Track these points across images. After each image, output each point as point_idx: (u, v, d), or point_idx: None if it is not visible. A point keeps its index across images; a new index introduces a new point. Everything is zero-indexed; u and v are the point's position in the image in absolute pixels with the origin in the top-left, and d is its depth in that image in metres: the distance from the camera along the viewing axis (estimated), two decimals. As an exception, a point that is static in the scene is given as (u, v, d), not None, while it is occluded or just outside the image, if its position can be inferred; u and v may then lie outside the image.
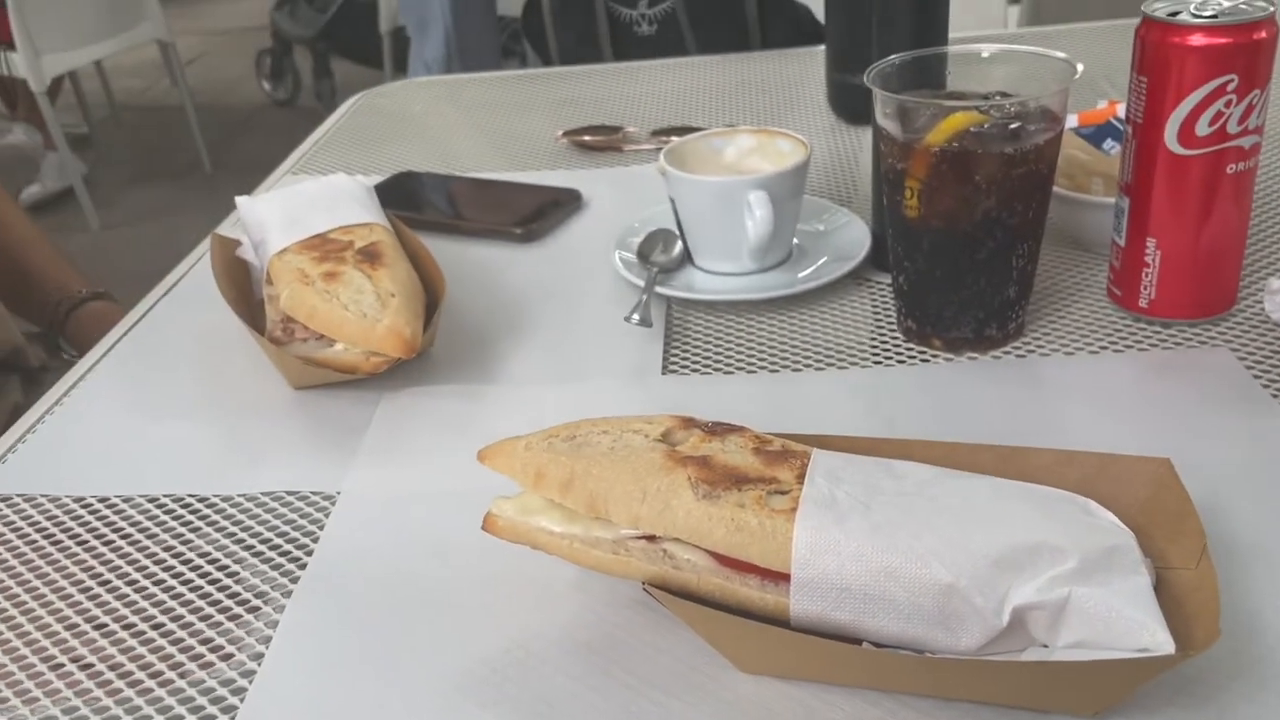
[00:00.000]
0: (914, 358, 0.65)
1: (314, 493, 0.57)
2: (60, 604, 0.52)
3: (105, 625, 0.50)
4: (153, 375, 0.71)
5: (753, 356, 0.66)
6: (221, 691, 0.46)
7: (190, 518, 0.57)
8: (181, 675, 0.47)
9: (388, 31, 3.43)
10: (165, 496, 0.58)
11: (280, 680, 0.46)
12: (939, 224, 0.61)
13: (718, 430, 0.47)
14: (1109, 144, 0.74)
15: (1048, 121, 0.59)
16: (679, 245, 0.75)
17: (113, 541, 0.55)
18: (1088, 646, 0.39)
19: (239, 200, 0.77)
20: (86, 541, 0.56)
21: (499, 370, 0.67)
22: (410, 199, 0.92)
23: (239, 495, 0.58)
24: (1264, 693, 0.40)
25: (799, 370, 0.65)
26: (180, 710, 0.45)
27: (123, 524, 0.57)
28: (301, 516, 0.56)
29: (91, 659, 0.48)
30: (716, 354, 0.67)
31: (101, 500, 0.58)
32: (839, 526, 0.41)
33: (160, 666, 0.47)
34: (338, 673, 0.46)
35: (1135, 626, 0.38)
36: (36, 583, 0.53)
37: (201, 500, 0.58)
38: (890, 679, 0.42)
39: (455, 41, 2.24)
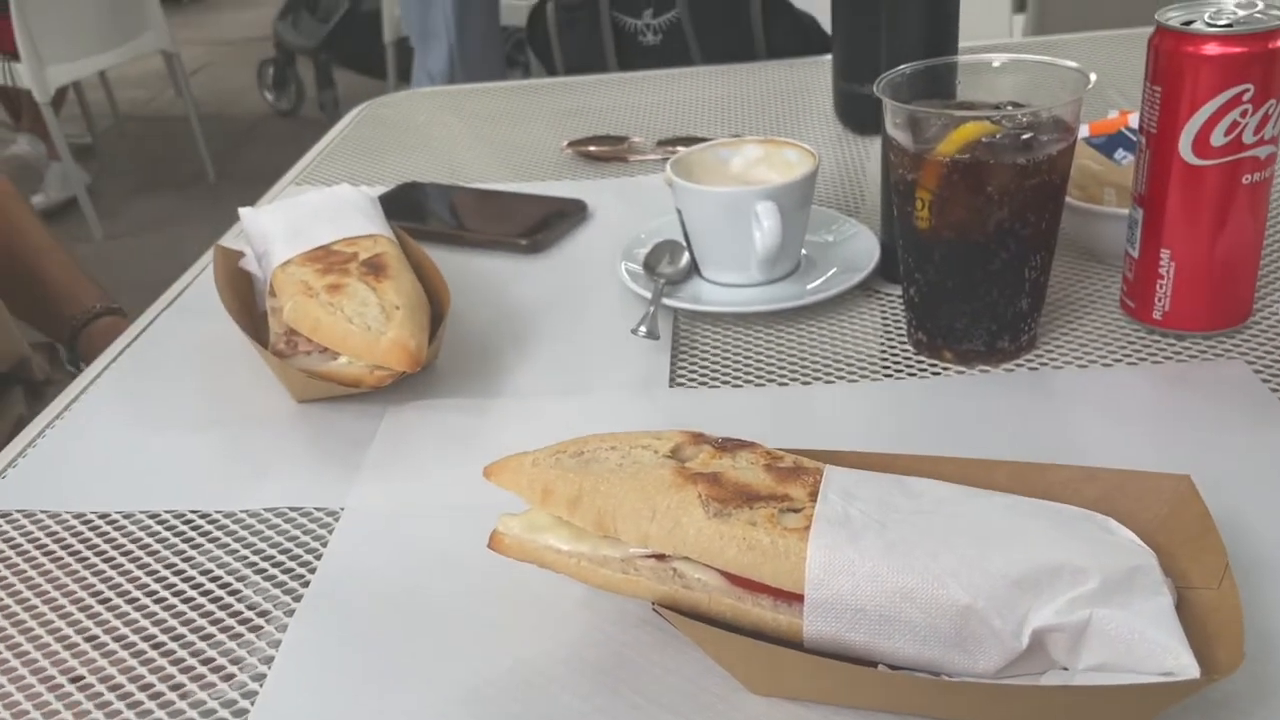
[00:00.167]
0: (925, 370, 0.64)
1: (317, 508, 0.57)
2: (59, 622, 0.51)
3: (104, 644, 0.49)
4: (155, 388, 0.70)
5: (761, 369, 0.66)
6: (223, 713, 0.45)
7: (192, 534, 0.56)
8: (182, 695, 0.46)
9: (391, 42, 3.43)
10: (167, 512, 0.58)
11: (283, 700, 0.45)
12: (950, 235, 0.60)
13: (728, 446, 0.46)
14: (1121, 154, 0.73)
15: (1060, 131, 0.58)
16: (686, 256, 0.75)
17: (113, 558, 0.55)
18: (1109, 669, 0.38)
19: (242, 211, 0.76)
20: (86, 558, 0.55)
21: (504, 383, 0.67)
22: (415, 210, 0.92)
23: (241, 511, 0.57)
24: (1289, 716, 0.39)
25: (808, 383, 0.64)
26: (181, 732, 0.44)
27: (123, 540, 0.56)
28: (304, 533, 0.55)
29: (90, 678, 0.47)
30: (724, 366, 0.66)
31: (102, 516, 0.58)
32: (853, 546, 0.40)
33: (160, 686, 0.47)
34: (341, 692, 0.45)
35: (1158, 649, 0.37)
36: (35, 600, 0.52)
37: (203, 516, 0.57)
38: (906, 702, 0.41)
39: (458, 52, 2.24)
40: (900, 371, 0.64)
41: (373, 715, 0.44)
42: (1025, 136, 0.58)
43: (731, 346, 0.68)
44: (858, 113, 1.00)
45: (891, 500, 0.43)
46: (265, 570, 0.53)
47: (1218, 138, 0.57)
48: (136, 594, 0.52)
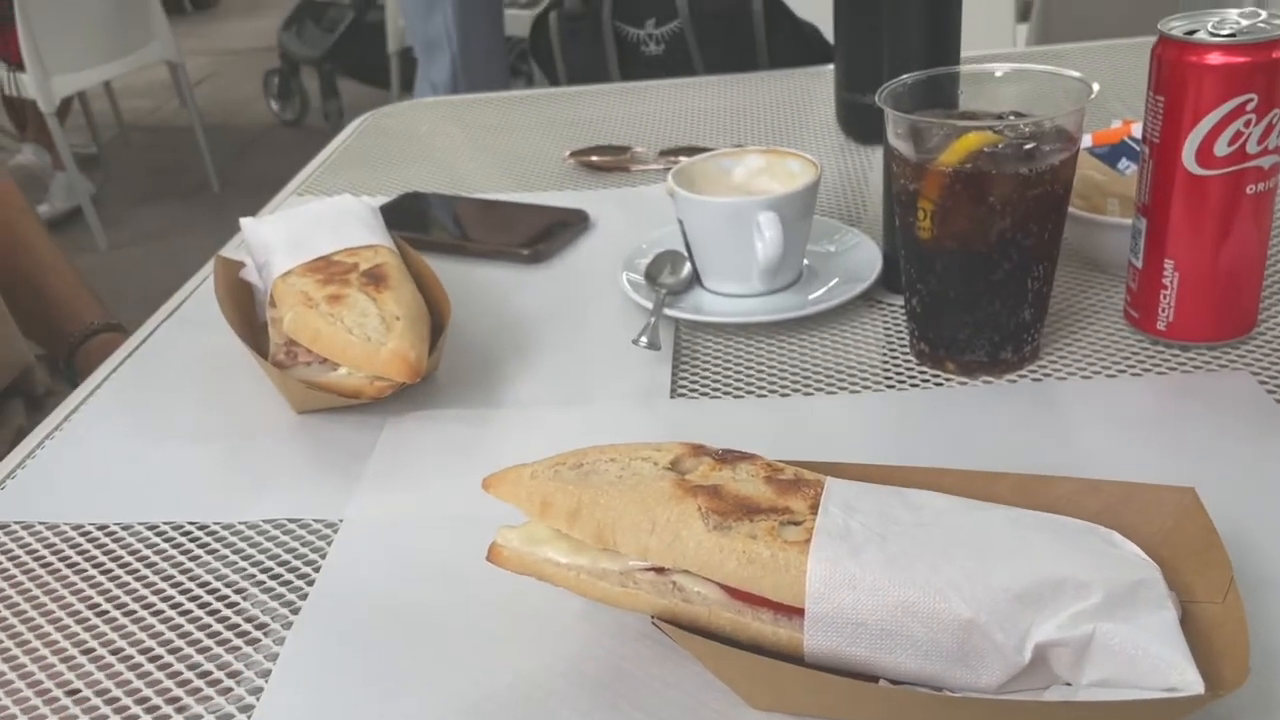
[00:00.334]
0: (927, 381, 0.64)
1: (316, 520, 0.56)
2: (56, 634, 0.51)
3: (101, 657, 0.49)
4: (155, 399, 0.70)
5: (763, 380, 0.65)
6: (219, 727, 0.45)
7: (190, 546, 0.56)
8: (179, 709, 0.46)
9: (395, 52, 3.44)
10: (165, 524, 0.57)
11: (278, 714, 0.45)
12: (953, 245, 0.60)
13: (728, 458, 0.45)
14: (1124, 164, 0.73)
15: (1063, 141, 0.58)
16: (687, 267, 0.75)
17: (111, 570, 0.54)
18: (1113, 685, 0.37)
19: (243, 222, 0.76)
20: (84, 570, 0.54)
21: (505, 394, 0.66)
22: (416, 220, 0.92)
23: (240, 523, 0.57)
24: (1296, 733, 0.39)
25: (810, 394, 0.64)
26: (176, 747, 0.44)
27: (121, 552, 0.56)
28: (303, 545, 0.55)
29: (86, 691, 0.47)
30: (726, 377, 0.66)
31: (100, 528, 0.57)
32: (854, 559, 0.40)
33: (156, 700, 0.46)
34: (338, 706, 0.45)
35: (1163, 665, 0.37)
36: (32, 612, 0.52)
37: (202, 528, 0.57)
38: (908, 717, 0.41)
39: (461, 62, 2.25)
40: (902, 382, 0.64)
41: (370, 730, 0.44)
42: (1028, 146, 0.58)
43: (733, 357, 0.68)
44: (860, 122, 1.00)
45: (893, 513, 0.42)
46: (263, 582, 0.53)
47: (1221, 148, 0.57)
48: (134, 606, 0.52)
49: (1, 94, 2.98)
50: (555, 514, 0.44)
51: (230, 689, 0.46)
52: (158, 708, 0.46)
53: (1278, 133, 0.57)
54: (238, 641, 0.49)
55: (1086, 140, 0.75)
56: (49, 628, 0.51)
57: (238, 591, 0.52)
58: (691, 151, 0.97)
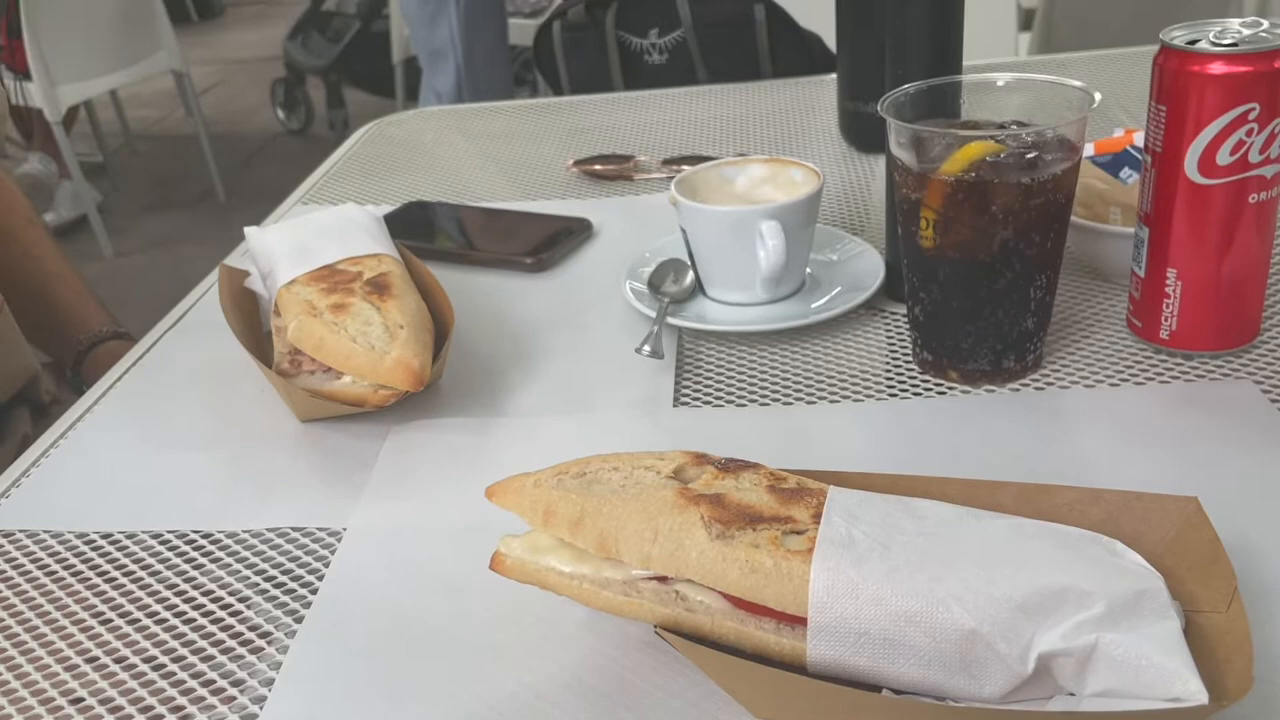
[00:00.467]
0: (930, 390, 0.64)
1: (320, 528, 0.57)
2: (60, 642, 0.51)
3: (105, 665, 0.49)
4: (159, 408, 0.70)
5: (766, 388, 0.65)
6: (222, 736, 0.45)
7: (194, 554, 0.56)
8: (183, 718, 0.46)
9: (399, 62, 3.45)
10: (169, 532, 0.57)
11: (282, 724, 0.45)
12: (955, 254, 0.60)
13: (731, 467, 0.45)
14: (1126, 173, 0.73)
15: (1065, 151, 0.58)
16: (690, 275, 0.75)
17: (115, 579, 0.54)
18: (1116, 695, 0.37)
19: (248, 231, 0.77)
20: (88, 579, 0.55)
21: (508, 402, 0.67)
22: (420, 228, 0.92)
23: (244, 531, 0.57)
24: (1301, 743, 0.39)
25: (813, 403, 0.64)
26: (180, 755, 0.44)
27: (126, 560, 0.56)
28: (307, 553, 0.55)
29: (90, 700, 0.47)
30: (729, 386, 0.66)
31: (105, 536, 0.58)
32: (857, 568, 0.40)
33: (160, 709, 0.46)
34: (341, 716, 0.45)
35: (1166, 675, 0.37)
36: (36, 620, 0.52)
37: (206, 536, 0.57)
38: (911, 727, 0.40)
39: (466, 72, 2.26)
40: (905, 391, 0.64)
41: (373, 739, 0.44)
42: (1030, 156, 0.58)
43: (736, 366, 0.68)
44: (863, 131, 1.00)
45: (896, 522, 0.42)
46: (267, 591, 0.53)
47: (1223, 157, 0.57)
48: (138, 615, 0.52)
49: (8, 103, 2.99)
50: (558, 523, 0.44)
51: (234, 697, 0.46)
52: (162, 716, 0.46)
53: (1280, 142, 0.57)
54: (242, 650, 0.49)
55: (1089, 149, 0.75)
56: (53, 635, 0.51)
57: (242, 600, 0.52)
58: (694, 160, 0.97)
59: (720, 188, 0.75)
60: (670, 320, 0.70)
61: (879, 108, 0.60)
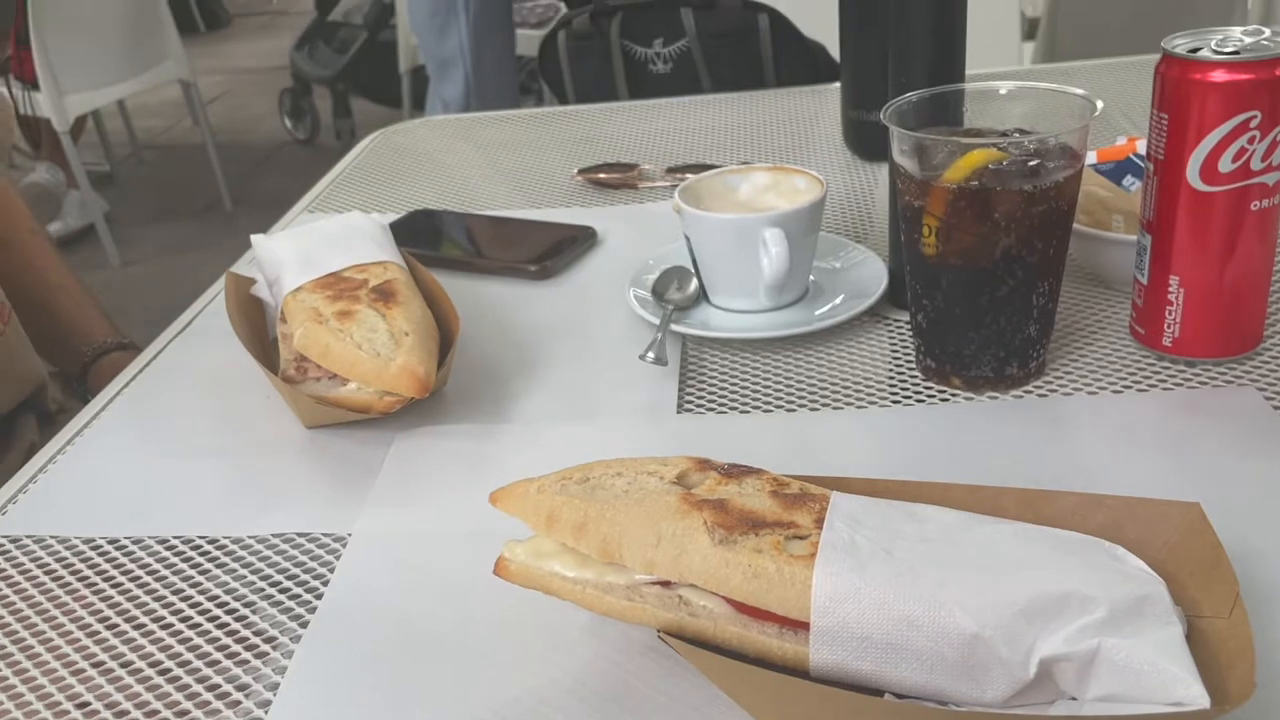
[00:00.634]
0: (933, 397, 0.64)
1: (325, 534, 0.57)
2: (66, 647, 0.51)
3: (111, 670, 0.49)
4: (165, 414, 0.70)
5: (769, 395, 0.66)
6: (227, 740, 0.45)
7: (200, 560, 0.56)
8: (187, 723, 0.46)
9: (406, 71, 3.47)
10: (175, 538, 0.58)
11: (287, 728, 0.45)
12: (957, 262, 0.60)
13: (734, 472, 0.46)
14: (1128, 180, 0.73)
15: (1067, 158, 0.58)
16: (694, 283, 0.75)
17: (121, 584, 0.55)
18: (1118, 700, 0.37)
19: (255, 239, 0.77)
20: (95, 584, 0.55)
21: (513, 409, 0.67)
22: (426, 236, 0.92)
23: (249, 537, 0.57)
24: (1303, 748, 0.39)
25: (816, 409, 0.64)
26: (185, 759, 0.44)
27: (131, 566, 0.56)
28: (312, 559, 0.55)
29: (97, 705, 0.47)
30: (732, 393, 0.66)
31: (111, 542, 0.58)
32: (859, 573, 0.40)
33: (166, 713, 0.47)
34: (346, 719, 0.45)
35: (1168, 679, 0.37)
36: (43, 626, 0.52)
37: (212, 542, 0.57)
38: (913, 731, 0.41)
39: (474, 80, 2.27)
40: (908, 398, 0.64)
41: (377, 743, 0.44)
42: (1032, 163, 0.58)
43: (739, 372, 0.68)
44: (866, 140, 1.00)
45: (898, 527, 0.42)
46: (273, 596, 0.53)
47: (1225, 164, 0.57)
48: (144, 620, 0.52)
49: (16, 112, 3.00)
50: (561, 528, 0.44)
51: (239, 702, 0.47)
52: (167, 720, 0.46)
53: (1282, 149, 0.57)
54: (246, 655, 0.49)
55: (1091, 157, 0.75)
56: (59, 640, 0.51)
57: (247, 605, 0.52)
58: (698, 169, 0.98)
59: (724, 196, 0.76)
60: (674, 327, 0.71)
61: (882, 116, 0.61)
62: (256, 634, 0.51)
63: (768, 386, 0.67)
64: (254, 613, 0.52)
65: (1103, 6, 1.78)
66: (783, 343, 0.71)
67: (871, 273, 0.75)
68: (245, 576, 0.54)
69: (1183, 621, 0.39)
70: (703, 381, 0.68)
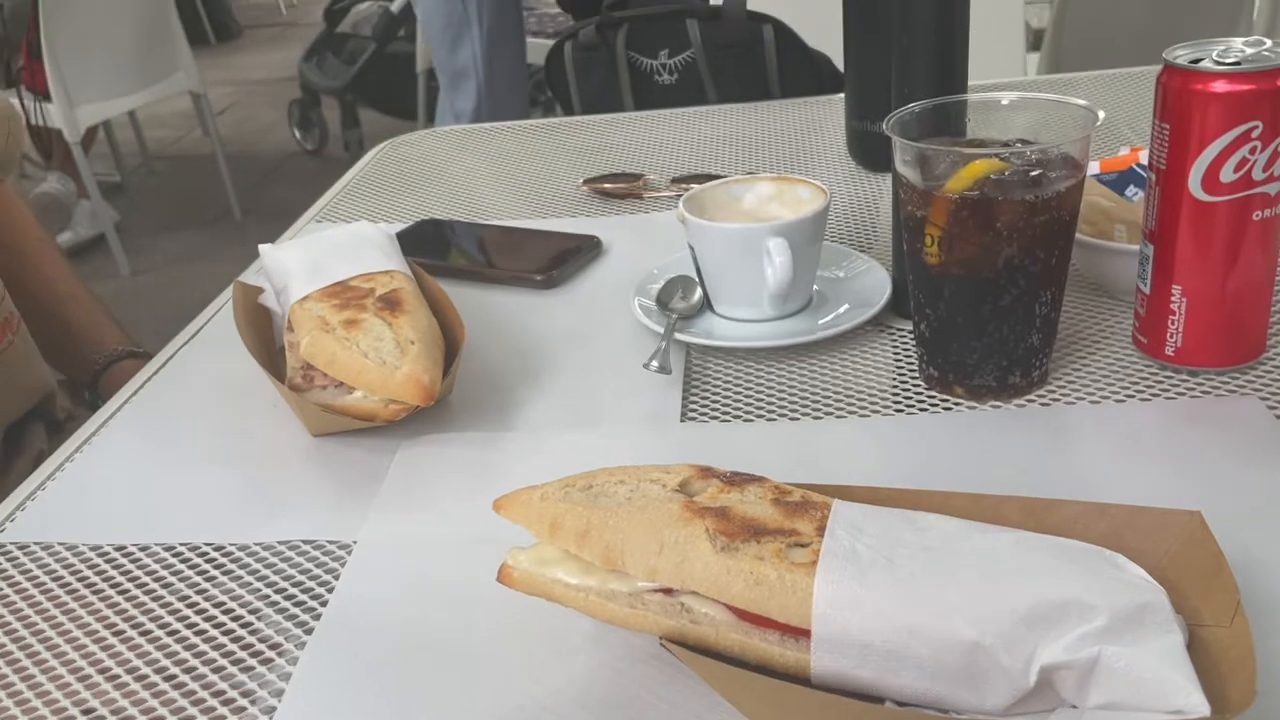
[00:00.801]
0: (936, 405, 0.64)
1: (330, 541, 0.57)
2: (73, 654, 0.51)
3: (117, 676, 0.50)
4: (173, 422, 0.71)
5: (773, 404, 0.66)
6: (232, 745, 0.45)
7: (206, 567, 0.56)
8: (192, 728, 0.46)
9: (422, 71, 3.46)
10: (182, 545, 0.58)
11: (291, 734, 0.45)
12: (960, 271, 0.60)
13: (736, 480, 0.46)
14: (1131, 190, 0.74)
15: (1069, 168, 0.59)
16: (698, 292, 0.75)
17: (128, 591, 0.55)
18: (1118, 708, 0.37)
19: (262, 248, 0.78)
20: (102, 591, 0.55)
21: (517, 417, 0.67)
22: (432, 246, 0.93)
23: (255, 544, 0.57)
24: (1305, 757, 0.39)
25: (820, 418, 0.64)
26: (190, 765, 0.44)
27: (139, 573, 0.56)
28: (317, 566, 0.56)
29: (103, 710, 0.48)
30: (736, 401, 0.67)
31: (118, 549, 0.58)
32: (860, 581, 0.40)
33: (171, 719, 0.47)
34: (350, 727, 0.45)
35: (1169, 687, 0.37)
36: (50, 632, 0.53)
37: (218, 549, 0.58)
38: (914, 739, 0.41)
39: (487, 92, 2.28)
40: (912, 407, 0.64)
41: (380, 749, 0.44)
42: (1034, 173, 0.58)
43: (743, 381, 0.69)
44: (870, 150, 1.01)
45: (899, 535, 0.43)
46: (278, 603, 0.53)
47: (1227, 174, 0.57)
48: (150, 626, 0.53)
49: (28, 123, 3.03)
50: (564, 535, 0.44)
51: (244, 708, 0.47)
52: (172, 726, 0.46)
53: (1283, 159, 0.57)
54: (252, 661, 0.50)
55: (1094, 167, 0.75)
56: (66, 647, 0.52)
57: (252, 612, 0.53)
58: (703, 179, 0.98)
59: (728, 206, 0.76)
60: (678, 336, 0.71)
61: (884, 126, 0.61)
62: (262, 640, 0.51)
63: (771, 395, 0.67)
64: (259, 619, 0.52)
65: (1108, 18, 1.79)
66: (786, 352, 0.71)
67: (875, 282, 0.75)
68: (251, 583, 0.55)
69: (1184, 630, 0.40)
70: (706, 390, 0.68)
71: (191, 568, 0.56)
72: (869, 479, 0.50)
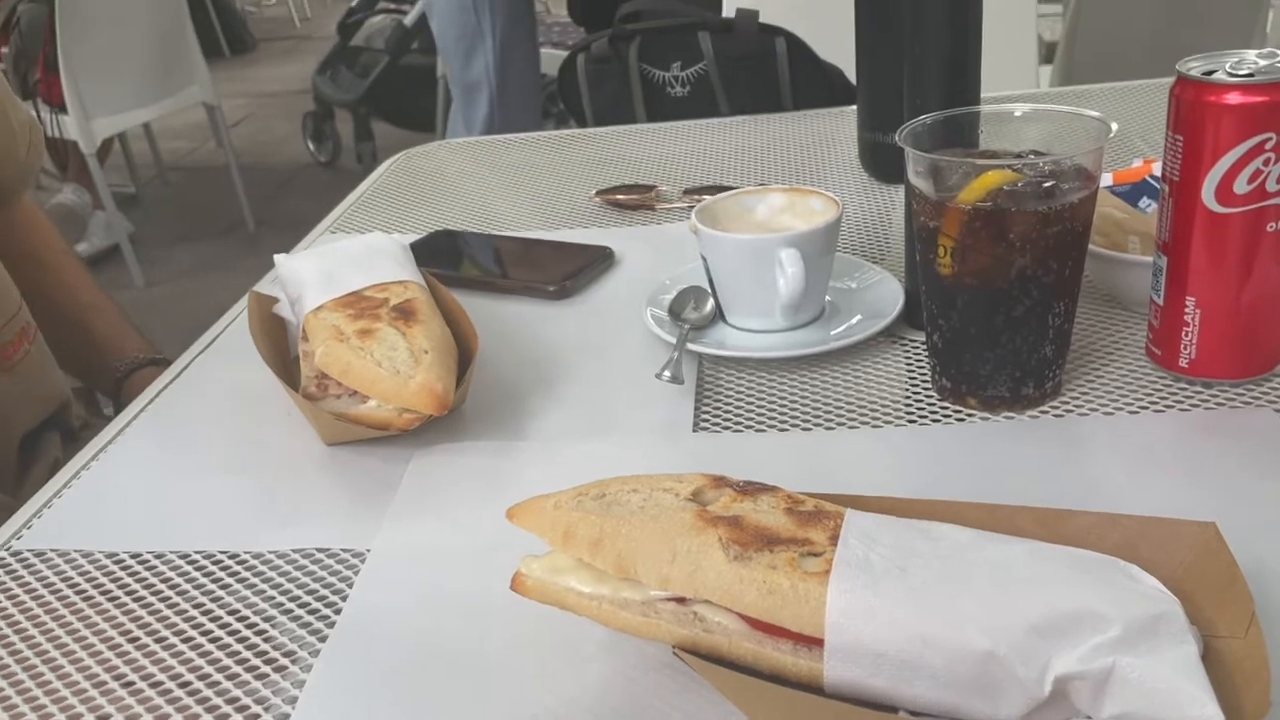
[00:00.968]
0: (949, 416, 0.64)
1: (344, 550, 0.57)
2: (89, 660, 0.52)
3: (132, 682, 0.50)
4: (188, 431, 0.71)
5: (785, 414, 0.66)
6: (246, 752, 0.45)
7: (221, 574, 0.57)
8: (207, 735, 0.46)
9: (442, 76, 3.46)
10: (197, 553, 0.58)
11: (305, 741, 0.45)
12: (973, 282, 0.60)
13: (749, 490, 0.46)
14: (1145, 202, 0.74)
15: (1082, 180, 0.59)
16: (710, 302, 0.75)
17: (143, 598, 0.55)
18: (1133, 718, 0.37)
19: (277, 258, 0.78)
20: (117, 597, 0.56)
21: (530, 426, 0.67)
22: (446, 257, 0.93)
23: (270, 552, 0.58)
24: (1321, 770, 0.38)
25: (832, 429, 0.64)
26: (205, 771, 0.45)
27: (154, 580, 0.57)
28: (331, 574, 0.56)
29: (117, 717, 0.48)
30: (748, 411, 0.67)
31: (134, 556, 0.59)
32: (873, 590, 0.40)
33: (186, 725, 0.47)
34: (363, 734, 0.45)
35: (1183, 698, 0.37)
36: (66, 638, 0.53)
37: (232, 557, 0.58)
38: (928, 749, 0.41)
39: (499, 104, 2.30)
40: (925, 417, 0.64)
41: (394, 756, 0.44)
42: (1047, 185, 0.58)
43: (755, 392, 0.69)
44: (883, 162, 1.01)
45: (912, 545, 0.43)
46: (292, 611, 0.53)
47: (1241, 186, 0.57)
48: (165, 633, 0.53)
49: (44, 135, 3.05)
50: (577, 544, 0.44)
51: (258, 716, 0.47)
52: (187, 732, 0.47)
53: (1297, 171, 0.57)
54: (265, 669, 0.50)
55: (1108, 179, 0.76)
56: (82, 653, 0.52)
57: (267, 620, 0.53)
58: (715, 190, 0.98)
59: (740, 217, 0.76)
60: (690, 346, 0.71)
61: (897, 137, 0.61)
62: (276, 648, 0.51)
63: (784, 405, 0.67)
64: (273, 627, 0.53)
65: (1120, 30, 1.79)
66: (799, 362, 0.71)
67: (887, 293, 0.75)
68: (265, 591, 0.55)
69: (1198, 641, 0.39)
70: (719, 400, 0.68)
71: (206, 575, 0.57)
72: (882, 489, 0.50)
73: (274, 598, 0.54)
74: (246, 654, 0.51)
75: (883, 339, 0.73)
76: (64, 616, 0.55)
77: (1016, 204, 0.58)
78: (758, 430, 0.65)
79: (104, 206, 3.17)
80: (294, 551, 0.58)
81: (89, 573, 0.58)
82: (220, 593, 0.55)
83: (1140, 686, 0.37)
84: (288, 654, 0.51)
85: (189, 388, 0.77)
